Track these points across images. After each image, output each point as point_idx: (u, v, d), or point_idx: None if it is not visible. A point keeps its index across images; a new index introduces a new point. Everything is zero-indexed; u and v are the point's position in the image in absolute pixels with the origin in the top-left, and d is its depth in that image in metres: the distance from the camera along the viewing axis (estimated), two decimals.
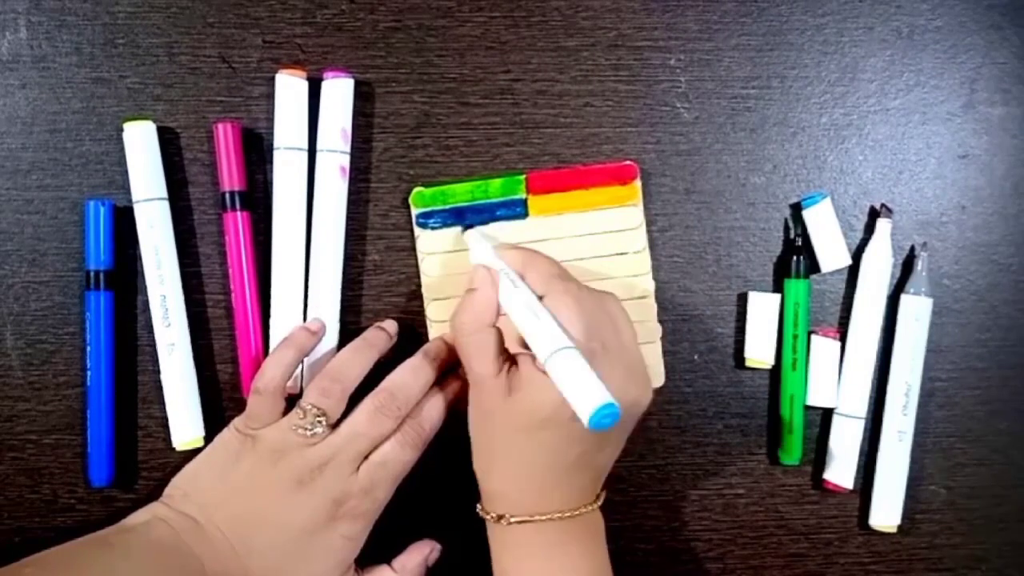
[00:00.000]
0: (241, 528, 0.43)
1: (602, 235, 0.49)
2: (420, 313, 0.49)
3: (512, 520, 0.42)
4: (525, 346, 0.41)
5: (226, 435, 0.46)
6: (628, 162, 0.49)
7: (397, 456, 0.45)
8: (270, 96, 0.47)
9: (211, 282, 0.48)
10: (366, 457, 0.44)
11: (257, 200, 0.48)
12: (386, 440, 0.45)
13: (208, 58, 0.48)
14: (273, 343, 0.47)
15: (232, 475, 0.44)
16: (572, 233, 0.49)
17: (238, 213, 0.47)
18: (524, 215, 0.49)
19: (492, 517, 0.43)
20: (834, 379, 0.50)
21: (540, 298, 0.41)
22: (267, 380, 0.44)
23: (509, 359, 0.42)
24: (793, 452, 0.50)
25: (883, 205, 0.50)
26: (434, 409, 0.46)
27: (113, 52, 0.48)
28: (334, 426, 0.44)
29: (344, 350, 0.46)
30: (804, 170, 0.51)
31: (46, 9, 0.48)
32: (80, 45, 0.48)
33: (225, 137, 0.47)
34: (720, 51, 0.51)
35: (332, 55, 0.49)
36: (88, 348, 0.46)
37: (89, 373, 0.46)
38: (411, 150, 0.49)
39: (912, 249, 0.51)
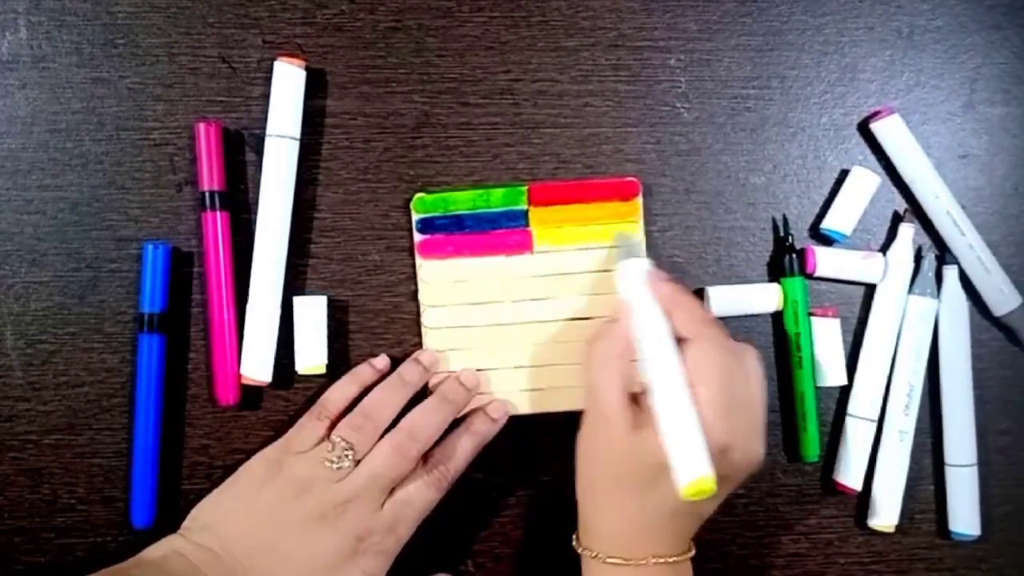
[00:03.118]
0: (262, 561, 0.43)
1: (601, 250, 0.49)
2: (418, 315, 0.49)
3: (609, 560, 0.42)
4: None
5: (252, 465, 0.45)
6: (631, 178, 0.49)
7: (422, 496, 0.45)
8: (270, 96, 0.47)
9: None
10: (391, 493, 0.44)
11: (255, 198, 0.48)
12: (411, 479, 0.45)
13: (208, 58, 0.48)
14: (249, 334, 0.46)
15: (255, 506, 0.44)
16: (571, 246, 0.49)
17: (217, 213, 0.46)
18: (525, 226, 0.49)
19: (589, 553, 0.43)
20: (840, 358, 0.50)
21: (683, 340, 0.41)
22: (329, 408, 0.46)
23: (636, 396, 0.42)
24: (811, 449, 0.50)
25: (906, 210, 0.50)
26: (461, 451, 0.46)
27: (113, 52, 0.48)
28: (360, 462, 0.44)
29: (379, 387, 0.47)
30: (804, 170, 0.51)
31: (46, 9, 0.48)
32: (80, 45, 0.48)
33: (207, 136, 0.46)
34: (720, 51, 0.51)
35: (332, 55, 0.49)
36: (138, 391, 0.46)
37: (137, 416, 0.46)
38: (411, 150, 0.49)
39: (919, 250, 0.51)
